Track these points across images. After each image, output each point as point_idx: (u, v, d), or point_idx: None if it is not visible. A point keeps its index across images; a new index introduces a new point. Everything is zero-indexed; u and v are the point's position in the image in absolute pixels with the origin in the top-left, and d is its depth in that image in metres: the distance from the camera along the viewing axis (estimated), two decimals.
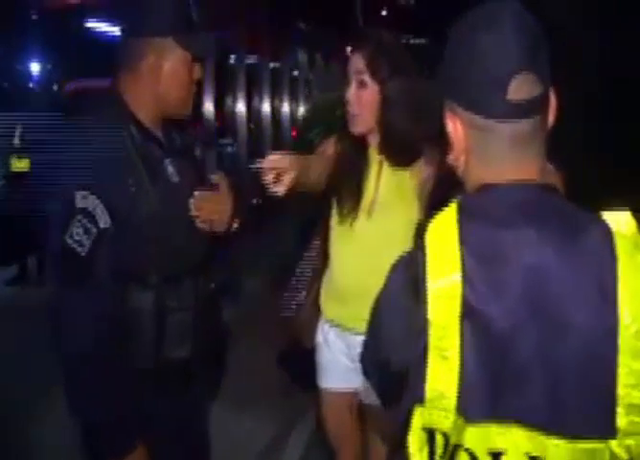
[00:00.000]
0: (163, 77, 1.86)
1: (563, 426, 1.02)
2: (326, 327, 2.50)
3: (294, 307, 2.68)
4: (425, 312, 1.04)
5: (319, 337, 2.54)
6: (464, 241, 1.06)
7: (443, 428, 1.04)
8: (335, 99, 2.92)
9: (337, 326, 2.44)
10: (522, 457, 1.03)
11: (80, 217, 1.71)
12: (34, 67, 12.89)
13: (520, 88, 1.08)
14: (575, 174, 1.79)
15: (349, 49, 2.47)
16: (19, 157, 7.29)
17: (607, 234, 1.06)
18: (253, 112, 14.10)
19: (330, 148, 2.45)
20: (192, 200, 1.91)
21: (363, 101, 2.27)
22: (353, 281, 2.36)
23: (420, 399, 1.05)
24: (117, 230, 1.75)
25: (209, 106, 11.55)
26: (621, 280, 1.02)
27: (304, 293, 2.64)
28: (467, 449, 1.04)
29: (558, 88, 1.13)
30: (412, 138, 2.25)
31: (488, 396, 1.03)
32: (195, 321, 1.93)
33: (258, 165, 2.05)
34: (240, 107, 13.33)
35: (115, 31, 12.84)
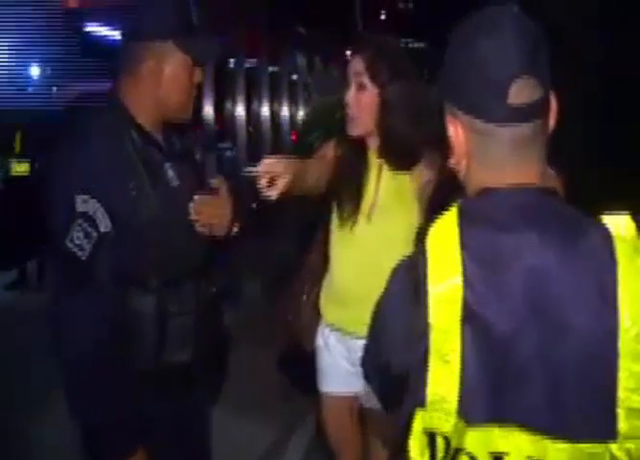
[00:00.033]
0: (163, 81, 1.86)
1: (564, 429, 1.02)
2: (326, 331, 2.50)
3: (294, 310, 2.68)
4: (426, 316, 1.05)
5: (319, 341, 2.53)
6: (464, 245, 1.06)
7: (444, 432, 1.04)
8: (335, 102, 2.92)
9: (338, 330, 2.44)
10: None
11: (80, 221, 1.71)
12: (34, 70, 12.88)
13: (521, 92, 1.08)
14: (575, 175, 1.79)
15: (348, 53, 2.47)
16: (19, 161, 7.30)
17: (607, 237, 1.06)
18: (252, 116, 14.11)
19: (329, 151, 2.45)
20: (191, 204, 1.91)
21: (362, 103, 2.27)
22: (353, 284, 2.36)
23: (421, 402, 1.05)
24: (117, 234, 1.75)
25: (208, 110, 11.57)
26: (621, 283, 1.03)
27: (304, 297, 2.64)
28: (468, 453, 1.04)
29: (558, 92, 1.14)
30: (412, 142, 2.25)
31: (489, 399, 1.03)
32: (197, 325, 1.93)
33: (252, 169, 2.05)
34: (240, 111, 13.35)
35: (115, 35, 12.85)
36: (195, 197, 1.92)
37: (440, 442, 1.05)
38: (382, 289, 1.18)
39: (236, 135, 13.22)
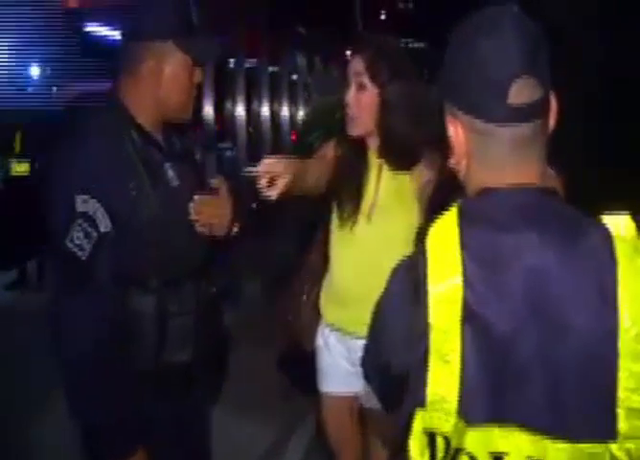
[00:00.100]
0: (163, 81, 1.86)
1: (564, 429, 1.02)
2: (326, 331, 2.50)
3: (294, 310, 2.68)
4: (427, 316, 1.05)
5: (319, 341, 2.54)
6: (464, 245, 1.07)
7: (444, 432, 1.04)
8: (335, 102, 2.92)
9: (338, 330, 2.44)
10: None
11: (80, 221, 1.71)
12: (34, 70, 12.89)
13: (521, 92, 1.08)
14: (575, 175, 1.80)
15: (348, 53, 2.47)
16: (19, 161, 7.30)
17: (607, 237, 1.06)
18: (252, 116, 14.12)
19: (329, 151, 2.45)
20: (191, 204, 1.91)
21: (362, 103, 2.27)
22: (353, 284, 2.36)
23: (421, 402, 1.05)
24: (117, 234, 1.75)
25: (209, 110, 11.58)
26: (621, 283, 1.03)
27: (304, 297, 2.64)
28: (468, 453, 1.04)
29: (558, 92, 1.14)
30: (412, 142, 2.25)
31: (489, 399, 1.03)
32: (197, 325, 1.93)
33: (252, 169, 2.05)
34: (240, 111, 13.35)
35: (115, 35, 12.85)
36: (195, 197, 1.92)
37: (440, 442, 1.05)
38: (382, 289, 1.19)
39: (236, 135, 13.23)
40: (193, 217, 1.91)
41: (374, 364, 1.20)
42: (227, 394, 2.24)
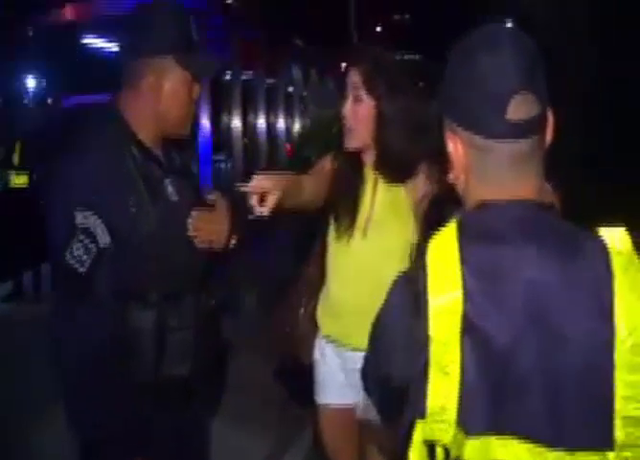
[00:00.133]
0: (163, 96, 1.86)
1: (563, 439, 1.03)
2: (322, 343, 2.50)
3: (292, 323, 2.68)
4: (427, 329, 1.06)
5: (316, 353, 2.54)
6: (464, 258, 1.08)
7: (443, 442, 1.05)
8: (332, 115, 2.92)
9: (334, 342, 2.44)
10: None
11: (80, 235, 1.71)
12: (30, 83, 12.92)
13: (519, 108, 1.10)
14: (573, 190, 1.81)
15: (343, 65, 2.47)
16: (18, 173, 7.29)
17: (603, 251, 1.08)
18: (248, 128, 14.14)
19: (327, 164, 2.45)
20: (189, 221, 1.91)
21: (359, 116, 2.27)
22: (349, 297, 2.36)
23: (421, 414, 1.06)
24: (117, 249, 1.75)
25: (205, 122, 11.60)
26: (617, 295, 1.04)
27: (302, 310, 2.64)
28: None
29: (556, 108, 1.16)
30: (408, 157, 2.24)
31: (488, 409, 1.04)
32: (196, 339, 1.93)
33: (244, 186, 2.03)
34: (236, 123, 13.37)
35: (111, 47, 12.89)
36: (193, 213, 1.92)
37: (439, 452, 1.06)
38: (378, 303, 1.20)
39: (232, 147, 13.24)
40: (191, 233, 1.91)
41: (374, 377, 1.21)
42: (225, 405, 2.24)
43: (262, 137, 14.53)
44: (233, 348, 2.25)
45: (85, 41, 13.29)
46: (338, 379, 2.46)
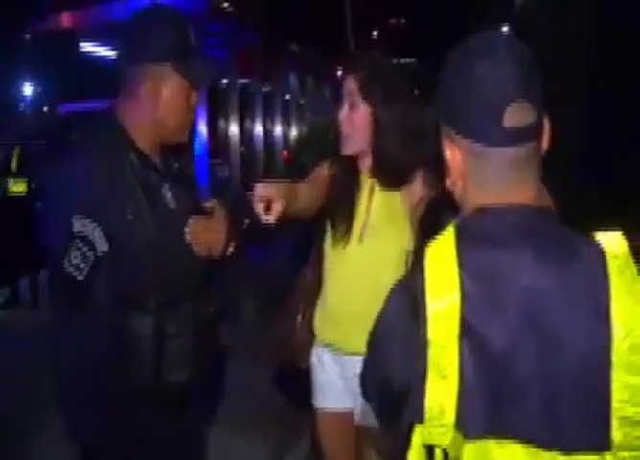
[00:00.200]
0: (161, 103, 1.86)
1: (561, 441, 1.04)
2: (320, 349, 2.50)
3: (289, 330, 2.68)
4: (425, 333, 1.07)
5: (314, 359, 2.54)
6: (462, 262, 1.09)
7: (442, 444, 1.06)
8: (328, 122, 2.93)
9: (331, 348, 2.45)
10: None
11: (77, 242, 1.71)
12: (27, 90, 12.92)
13: (516, 115, 1.11)
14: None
15: (340, 71, 2.47)
16: (16, 181, 7.29)
17: (600, 254, 1.09)
18: (245, 135, 14.14)
19: (324, 171, 2.45)
20: (187, 229, 1.90)
21: (355, 122, 2.27)
22: (346, 304, 2.36)
23: (420, 418, 1.06)
24: (115, 256, 1.74)
25: (202, 129, 11.61)
26: (613, 298, 1.05)
27: (299, 316, 2.64)
28: None
29: (551, 115, 1.17)
30: (404, 164, 2.25)
31: (486, 412, 1.05)
32: (195, 346, 1.92)
33: (249, 194, 2.03)
34: (233, 130, 13.37)
35: (109, 54, 12.91)
36: (190, 221, 1.91)
37: (438, 454, 1.07)
38: (375, 308, 1.20)
39: (229, 153, 13.24)
40: (188, 240, 1.91)
41: (373, 381, 1.22)
42: (224, 410, 2.25)
43: (259, 144, 14.52)
44: (231, 354, 2.26)
45: (83, 48, 13.28)
46: (335, 384, 2.46)
